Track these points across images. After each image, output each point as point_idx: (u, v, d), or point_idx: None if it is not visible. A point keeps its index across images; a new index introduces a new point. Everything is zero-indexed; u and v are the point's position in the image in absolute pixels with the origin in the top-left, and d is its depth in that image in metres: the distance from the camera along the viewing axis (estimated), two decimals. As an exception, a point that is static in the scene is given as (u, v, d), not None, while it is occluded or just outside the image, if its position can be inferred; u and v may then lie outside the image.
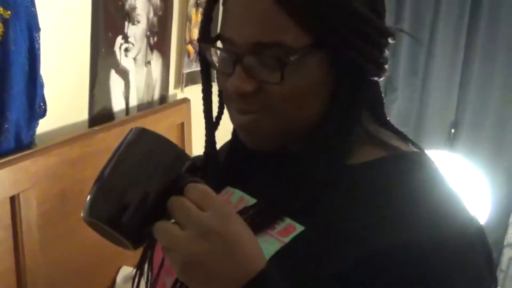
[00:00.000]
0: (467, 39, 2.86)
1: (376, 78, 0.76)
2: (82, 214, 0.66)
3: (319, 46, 0.69)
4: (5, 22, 1.50)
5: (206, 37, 0.78)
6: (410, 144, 0.81)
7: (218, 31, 0.75)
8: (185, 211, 0.61)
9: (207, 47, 0.77)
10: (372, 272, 0.65)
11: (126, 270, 2.18)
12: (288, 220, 0.72)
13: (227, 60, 0.73)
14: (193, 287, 0.63)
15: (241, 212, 0.72)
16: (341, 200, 0.72)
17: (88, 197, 0.67)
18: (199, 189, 0.63)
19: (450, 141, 2.95)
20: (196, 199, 0.62)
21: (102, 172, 0.67)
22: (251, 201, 0.79)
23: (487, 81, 2.87)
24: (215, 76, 0.79)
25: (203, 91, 0.83)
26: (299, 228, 0.70)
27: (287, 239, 0.70)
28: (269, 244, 0.70)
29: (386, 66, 0.76)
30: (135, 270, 0.85)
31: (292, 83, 0.69)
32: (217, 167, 0.86)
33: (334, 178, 0.73)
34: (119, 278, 2.13)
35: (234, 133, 0.86)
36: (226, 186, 0.85)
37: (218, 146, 0.89)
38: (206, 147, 0.86)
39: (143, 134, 0.67)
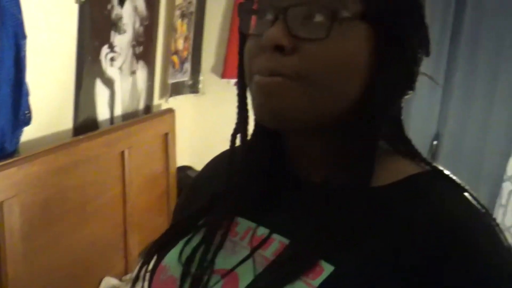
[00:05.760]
0: (449, 53, 2.89)
1: (410, 86, 0.70)
2: None
3: (371, 18, 0.63)
4: (-8, 29, 1.49)
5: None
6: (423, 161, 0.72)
7: None
8: None
9: (247, 9, 0.70)
10: None
11: (109, 281, 2.16)
12: None
13: (266, 22, 0.66)
14: None
15: (279, 258, 0.65)
16: (372, 229, 0.63)
17: None
18: None
19: (432, 152, 2.98)
20: None
21: None
22: (261, 231, 0.70)
23: (468, 94, 2.90)
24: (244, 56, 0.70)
25: (238, 86, 0.75)
26: (328, 268, 0.61)
27: (316, 282, 0.61)
28: None
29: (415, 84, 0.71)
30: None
31: (334, 44, 0.62)
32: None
33: (360, 203, 0.64)
34: (101, 289, 2.11)
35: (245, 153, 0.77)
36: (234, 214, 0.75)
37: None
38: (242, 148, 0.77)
39: None
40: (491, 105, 2.89)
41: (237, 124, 0.77)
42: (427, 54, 0.70)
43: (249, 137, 0.76)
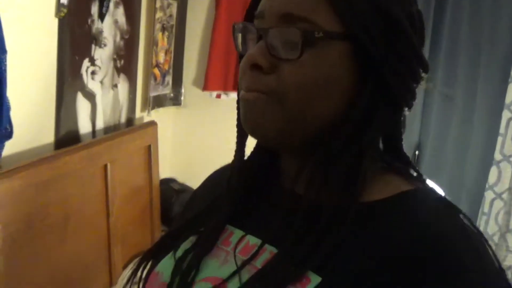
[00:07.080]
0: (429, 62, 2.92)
1: (404, 105, 0.70)
2: None
3: (348, 38, 0.64)
4: (-28, 43, 1.49)
5: (245, 19, 0.74)
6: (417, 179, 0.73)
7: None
8: None
9: (238, 29, 0.73)
10: None
11: (93, 295, 2.15)
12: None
13: (254, 42, 0.70)
14: None
15: (267, 266, 0.65)
16: (359, 243, 0.64)
17: None
18: None
19: (415, 162, 3.00)
20: None
21: None
22: (253, 241, 0.71)
23: (448, 103, 2.93)
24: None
25: (238, 101, 0.76)
26: (315, 279, 0.62)
27: None
28: None
29: (413, 102, 0.71)
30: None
31: (309, 65, 0.64)
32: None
33: (348, 217, 0.64)
34: (85, 303, 2.10)
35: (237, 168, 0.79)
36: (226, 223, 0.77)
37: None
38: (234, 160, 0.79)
39: None
40: (471, 113, 2.93)
41: (237, 138, 0.79)
42: (425, 70, 0.71)
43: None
